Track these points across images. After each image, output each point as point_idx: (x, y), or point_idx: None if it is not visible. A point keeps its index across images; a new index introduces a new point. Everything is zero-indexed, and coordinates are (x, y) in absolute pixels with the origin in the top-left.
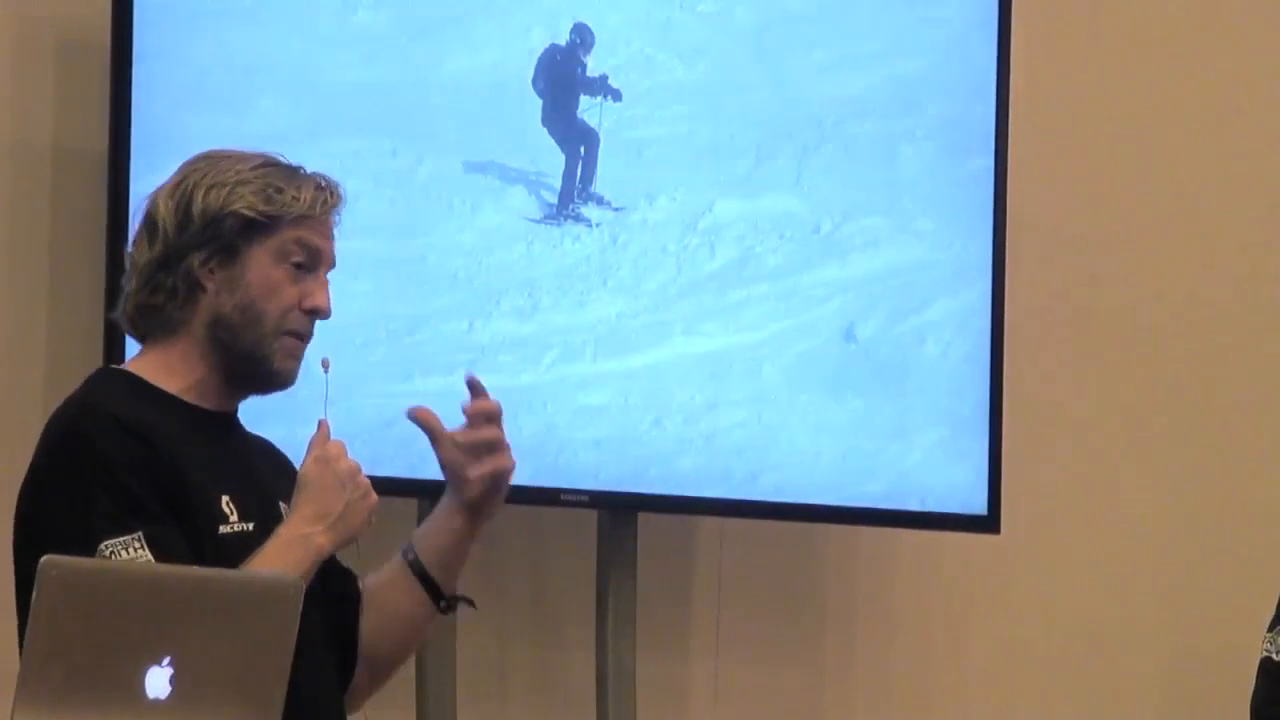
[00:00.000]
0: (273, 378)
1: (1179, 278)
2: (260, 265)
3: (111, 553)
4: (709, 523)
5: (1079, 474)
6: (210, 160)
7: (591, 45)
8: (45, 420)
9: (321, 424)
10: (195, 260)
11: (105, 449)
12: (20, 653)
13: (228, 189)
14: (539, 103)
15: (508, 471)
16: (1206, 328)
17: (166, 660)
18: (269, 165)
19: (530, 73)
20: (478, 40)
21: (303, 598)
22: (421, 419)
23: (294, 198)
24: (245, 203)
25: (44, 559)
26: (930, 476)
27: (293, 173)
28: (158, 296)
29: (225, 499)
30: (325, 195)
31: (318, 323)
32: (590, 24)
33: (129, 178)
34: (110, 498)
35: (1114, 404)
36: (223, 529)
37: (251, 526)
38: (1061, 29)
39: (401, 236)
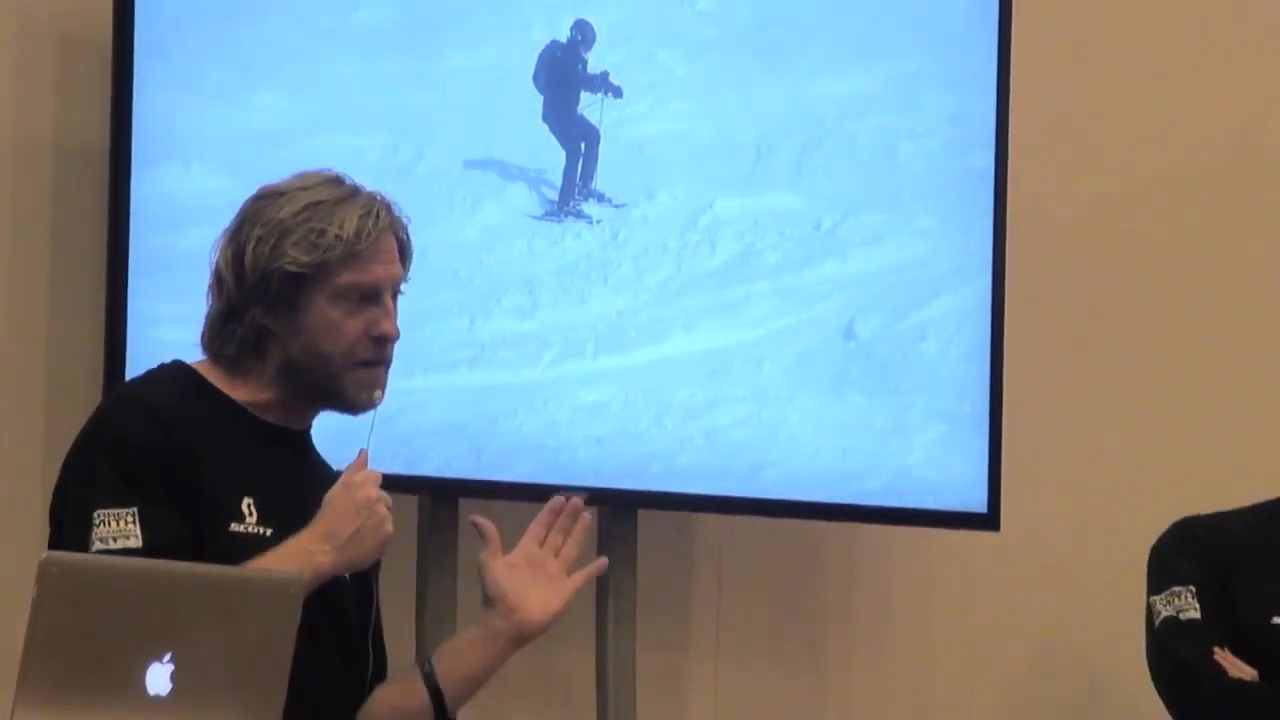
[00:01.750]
0: (353, 407)
1: (1179, 275)
2: (317, 310)
3: (101, 520)
4: (709, 520)
5: (1079, 472)
6: (262, 202)
7: (592, 42)
8: (45, 418)
9: (361, 453)
10: (257, 313)
11: (121, 428)
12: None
13: (272, 242)
14: (540, 99)
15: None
16: (1207, 326)
17: (167, 656)
18: (313, 205)
19: (531, 69)
20: (478, 37)
21: (303, 599)
22: (481, 527)
23: (337, 237)
24: (289, 257)
25: (44, 556)
26: (930, 474)
27: (337, 205)
28: (229, 347)
29: (248, 501)
30: (370, 223)
31: None
32: (591, 20)
33: (130, 174)
34: (115, 471)
35: (1114, 401)
36: (234, 526)
37: (270, 532)
38: (1062, 26)
39: None
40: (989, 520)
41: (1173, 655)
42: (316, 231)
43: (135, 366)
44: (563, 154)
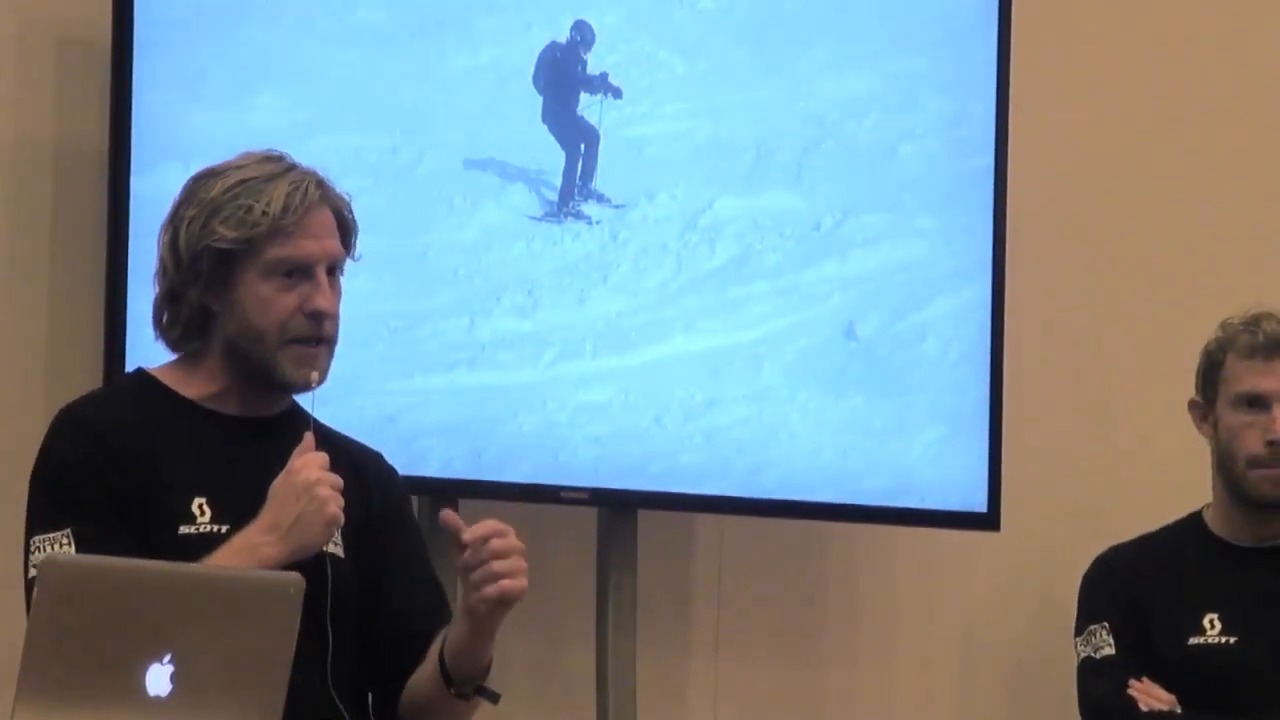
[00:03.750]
0: (286, 387)
1: (1179, 275)
2: (250, 286)
3: (36, 548)
4: (709, 520)
5: (1079, 472)
6: (197, 183)
7: (592, 42)
8: (45, 418)
9: (306, 437)
10: (194, 294)
11: (57, 449)
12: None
13: (202, 220)
14: (539, 100)
15: (510, 595)
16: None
17: (167, 657)
18: (243, 182)
19: (530, 70)
20: (478, 37)
21: (302, 597)
22: (446, 522)
23: (263, 213)
24: (217, 234)
25: (44, 557)
26: (930, 474)
27: (267, 181)
28: (175, 330)
29: (200, 501)
30: (297, 198)
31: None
32: (590, 21)
33: (129, 175)
34: (50, 495)
35: (1114, 401)
36: (184, 529)
37: (226, 529)
38: (1062, 27)
39: (402, 233)
40: (989, 520)
41: (1088, 696)
42: (245, 208)
43: (135, 367)
44: (562, 155)
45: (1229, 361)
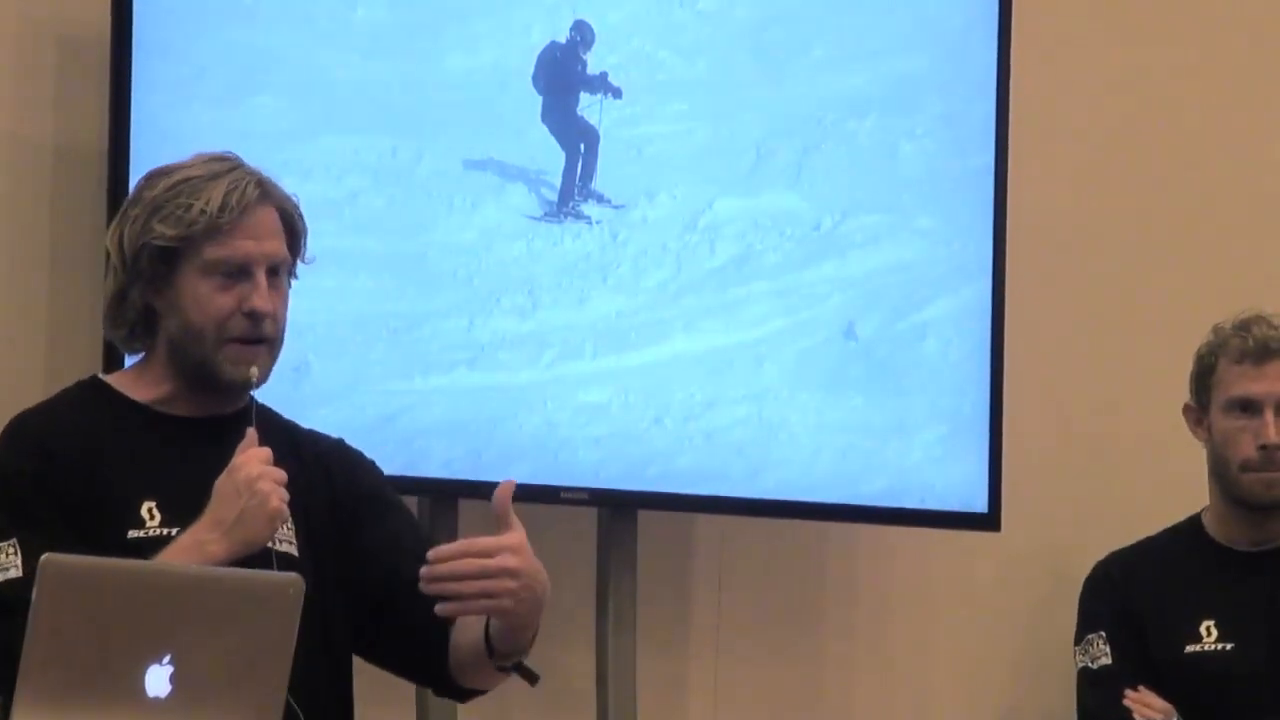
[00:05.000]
0: (227, 387)
1: (1179, 275)
2: (189, 284)
3: None
4: (709, 521)
5: (1079, 472)
6: (144, 182)
7: (591, 43)
8: None
9: (248, 433)
10: (137, 292)
11: (2, 459)
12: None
13: (143, 220)
14: (539, 100)
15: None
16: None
17: (167, 658)
18: (185, 180)
19: (530, 70)
20: (477, 37)
21: (302, 597)
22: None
23: (201, 211)
24: (155, 232)
25: (43, 558)
26: (930, 474)
27: (208, 180)
28: (122, 329)
29: (149, 505)
30: (234, 197)
31: (320, 321)
32: (590, 21)
33: (129, 175)
34: None
35: (1114, 401)
36: (132, 533)
37: (175, 532)
38: (1062, 26)
39: (401, 234)
40: (989, 520)
41: (1085, 707)
42: (184, 206)
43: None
44: (562, 155)
45: (1221, 366)
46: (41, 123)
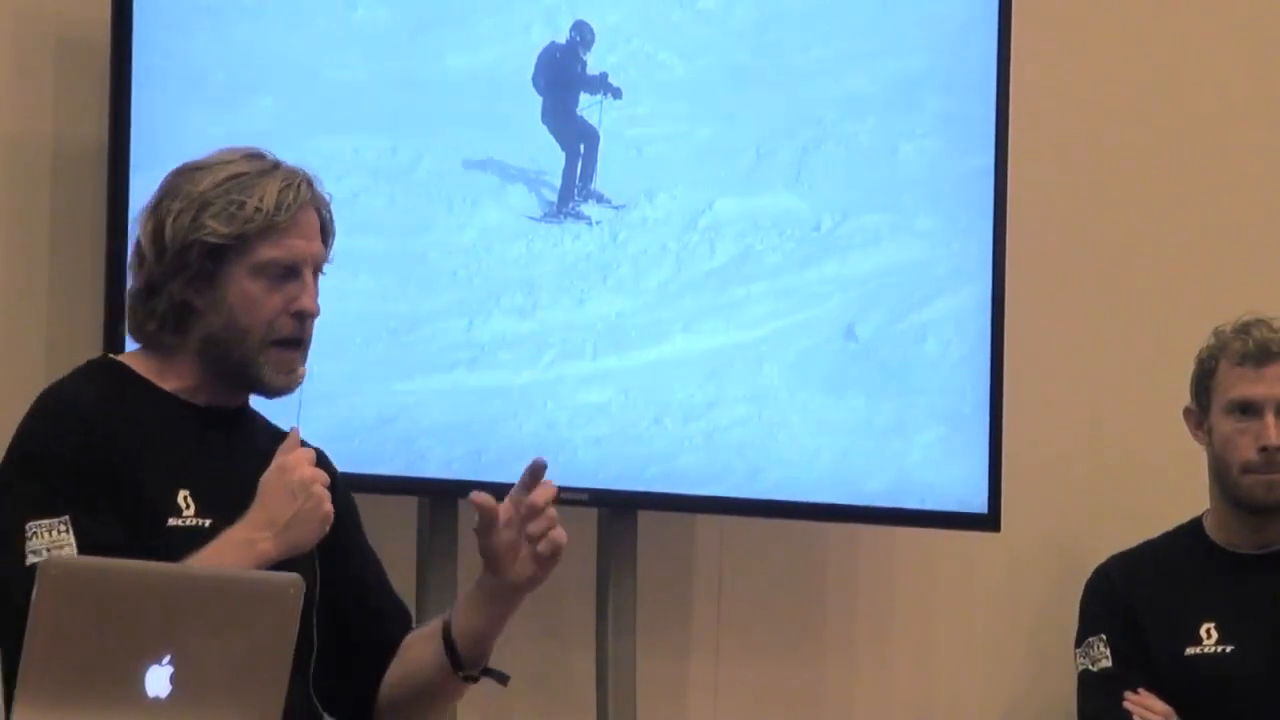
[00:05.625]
0: (266, 390)
1: (1180, 275)
2: (237, 283)
3: (34, 533)
4: (709, 521)
5: (1079, 472)
6: (183, 176)
7: (591, 43)
8: None
9: (292, 431)
10: (176, 288)
11: (45, 436)
12: None
13: (192, 214)
14: (539, 100)
15: (561, 546)
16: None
17: (167, 659)
18: (234, 177)
19: (530, 70)
20: (477, 38)
21: (302, 597)
22: (480, 504)
23: (256, 209)
24: (208, 229)
25: (44, 558)
26: (930, 474)
27: (259, 177)
28: (151, 323)
29: (184, 493)
30: (290, 195)
31: (320, 321)
32: (590, 21)
33: (129, 175)
34: (41, 482)
35: (1115, 401)
36: (172, 521)
37: (209, 522)
38: (1062, 26)
39: (401, 234)
40: (989, 520)
41: (1085, 710)
42: (237, 203)
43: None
44: (562, 155)
45: (1221, 368)
46: (41, 123)
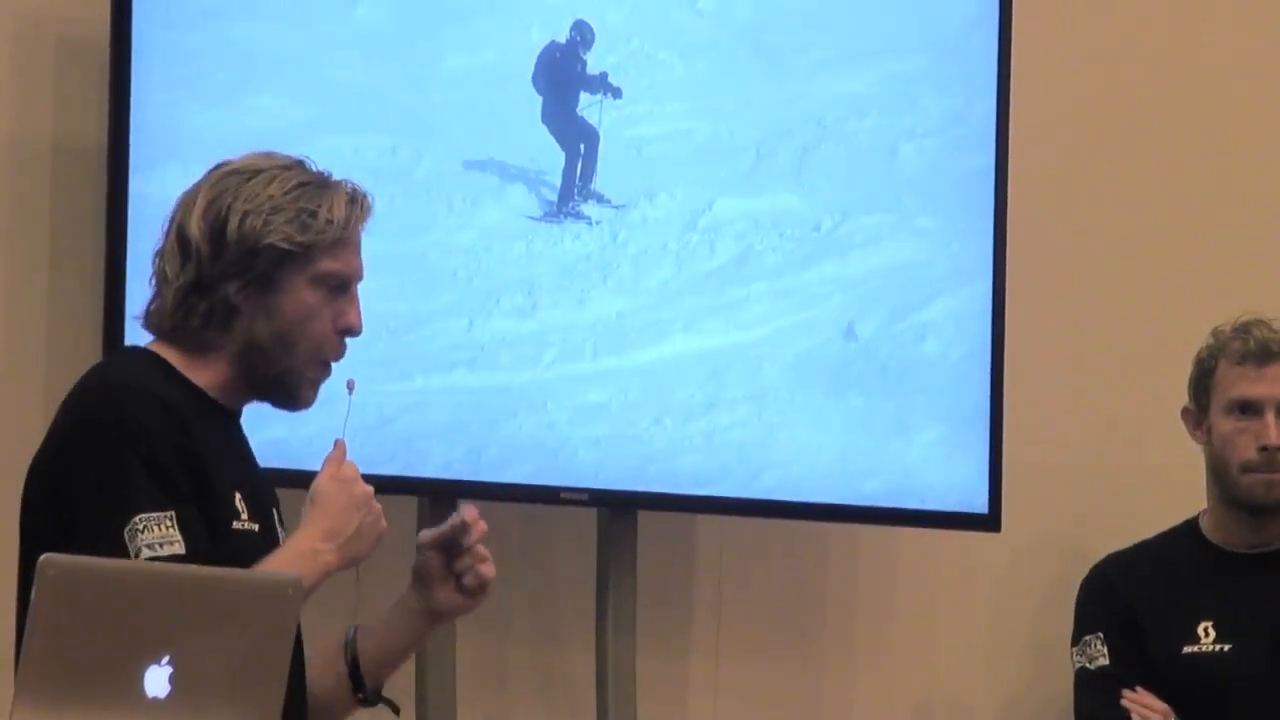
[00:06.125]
0: (296, 404)
1: (1179, 275)
2: (296, 293)
3: (145, 526)
4: (709, 521)
5: (1079, 472)
6: (241, 177)
7: (591, 43)
8: (44, 419)
9: (338, 443)
10: (231, 288)
11: (144, 421)
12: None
13: (263, 217)
14: (539, 100)
15: (488, 581)
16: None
17: (166, 659)
18: (302, 185)
19: (530, 70)
20: (477, 38)
21: (302, 597)
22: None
23: (328, 221)
24: (281, 234)
25: (43, 558)
26: (930, 475)
27: (323, 189)
28: (193, 320)
29: (238, 495)
30: (357, 211)
31: None
32: (590, 21)
33: (128, 174)
34: (147, 470)
35: (1115, 401)
36: (236, 524)
37: (257, 527)
38: (1062, 27)
39: (401, 234)
40: (989, 521)
41: (1082, 708)
42: (309, 212)
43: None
44: (562, 155)
45: (1221, 368)
46: (41, 123)
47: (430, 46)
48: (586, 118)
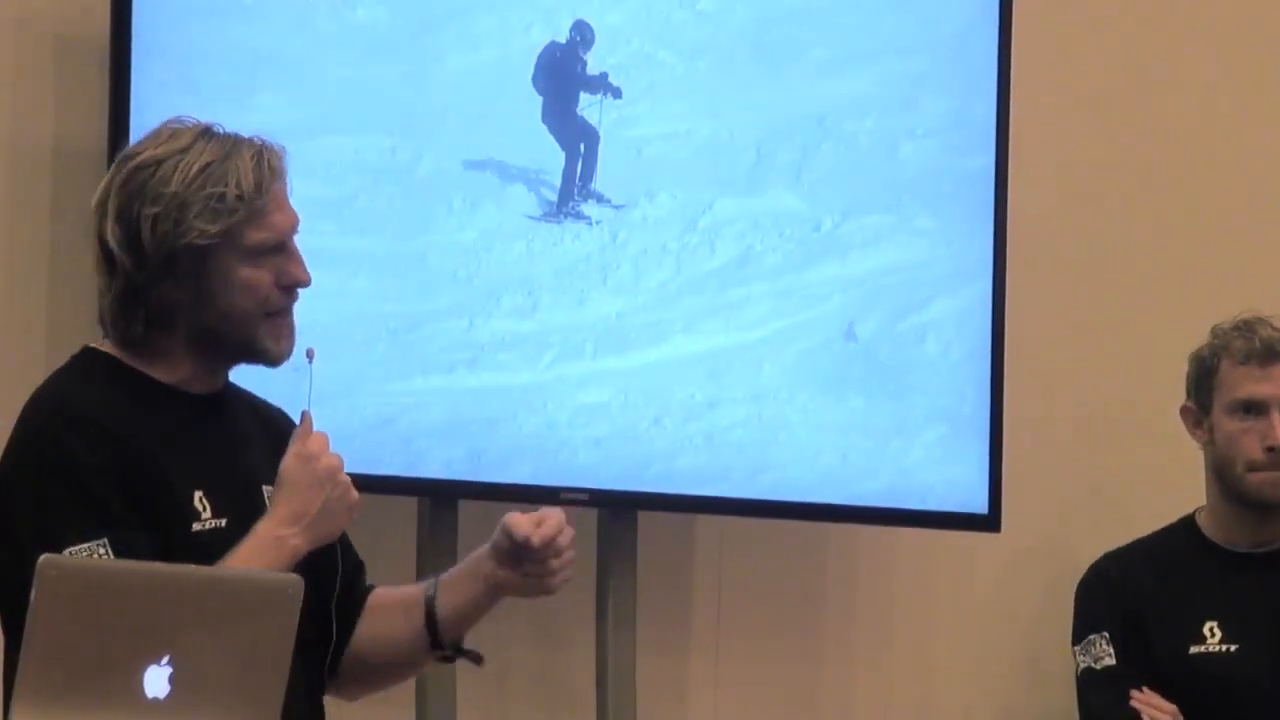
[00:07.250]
0: (271, 360)
1: (1179, 276)
2: (231, 274)
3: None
4: (709, 521)
5: (1079, 472)
6: (146, 173)
7: (591, 43)
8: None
9: (304, 416)
10: (163, 290)
11: (72, 449)
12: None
13: (172, 219)
14: (539, 100)
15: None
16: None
17: (165, 659)
18: (204, 169)
19: (530, 70)
20: (478, 37)
21: (301, 596)
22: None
23: (238, 198)
24: (195, 231)
25: (43, 559)
26: (930, 475)
27: (225, 160)
28: (136, 326)
29: (198, 495)
30: (266, 172)
31: (320, 321)
32: (590, 21)
33: None
34: (75, 502)
35: (1115, 402)
36: (195, 526)
37: (225, 522)
38: (1062, 27)
39: (401, 234)
40: (989, 521)
41: (1089, 708)
42: (216, 196)
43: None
44: (562, 155)
45: (1224, 367)
46: (41, 123)
47: (430, 46)
48: (586, 118)
